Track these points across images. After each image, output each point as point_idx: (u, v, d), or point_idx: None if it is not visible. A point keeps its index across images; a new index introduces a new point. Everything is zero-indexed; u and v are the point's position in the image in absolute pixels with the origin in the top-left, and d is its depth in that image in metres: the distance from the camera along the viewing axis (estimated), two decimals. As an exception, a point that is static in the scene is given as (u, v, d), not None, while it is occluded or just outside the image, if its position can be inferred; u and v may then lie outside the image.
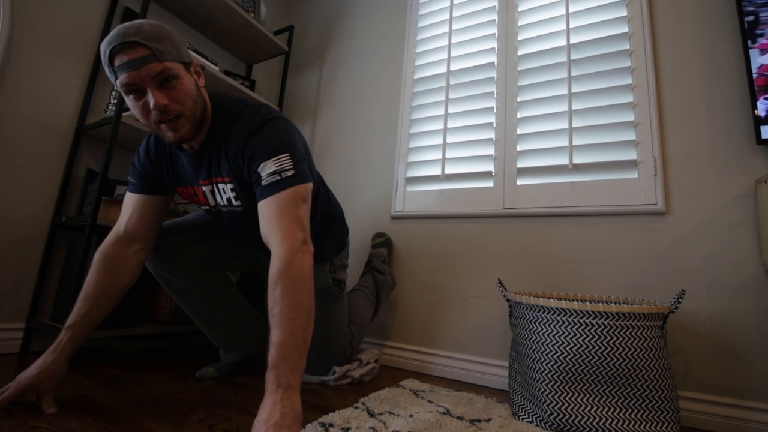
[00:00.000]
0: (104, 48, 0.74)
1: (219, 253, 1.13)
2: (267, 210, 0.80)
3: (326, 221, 1.11)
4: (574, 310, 0.87)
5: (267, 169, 0.81)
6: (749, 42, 1.06)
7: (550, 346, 0.89)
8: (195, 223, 1.11)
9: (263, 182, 0.81)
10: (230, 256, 1.15)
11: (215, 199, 0.94)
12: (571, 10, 1.41)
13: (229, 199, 0.92)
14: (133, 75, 0.73)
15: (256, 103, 0.91)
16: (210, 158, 0.88)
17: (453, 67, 1.62)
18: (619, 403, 0.84)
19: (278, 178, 0.80)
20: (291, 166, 0.82)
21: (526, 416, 0.90)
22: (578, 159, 1.29)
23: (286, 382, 0.66)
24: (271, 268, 0.75)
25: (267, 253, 0.81)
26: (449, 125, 1.56)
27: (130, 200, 0.95)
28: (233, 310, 1.16)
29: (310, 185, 0.86)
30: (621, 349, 0.83)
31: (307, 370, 1.17)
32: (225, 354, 1.19)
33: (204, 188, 0.93)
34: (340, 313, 1.18)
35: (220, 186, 0.91)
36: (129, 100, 0.78)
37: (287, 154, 0.82)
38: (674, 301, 0.89)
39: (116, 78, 0.75)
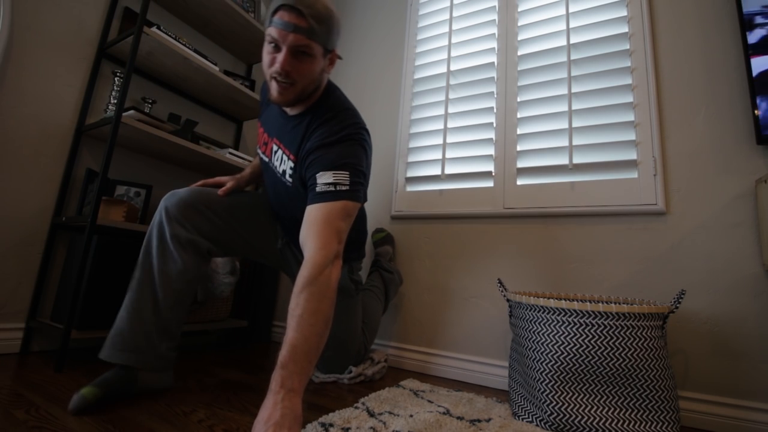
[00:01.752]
0: (276, 1, 0.84)
1: (240, 229, 1.09)
2: (313, 216, 0.85)
3: (356, 232, 1.14)
4: (574, 310, 0.87)
5: (324, 179, 0.86)
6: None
7: (550, 346, 0.89)
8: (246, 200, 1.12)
9: (317, 189, 0.86)
10: (249, 238, 1.12)
11: (275, 161, 1.03)
12: (571, 10, 1.41)
13: (284, 171, 1.00)
14: (282, 33, 0.83)
15: (352, 113, 0.98)
16: (294, 130, 0.98)
17: (453, 67, 1.62)
18: (619, 403, 0.84)
19: (332, 189, 0.86)
20: (348, 183, 0.87)
21: (526, 416, 0.90)
22: (578, 159, 1.29)
23: (290, 385, 0.67)
24: (302, 271, 0.79)
25: (288, 227, 0.96)
26: (449, 125, 1.56)
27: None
28: (173, 315, 0.97)
29: (358, 205, 0.91)
30: (621, 349, 0.83)
31: (323, 369, 1.18)
32: (116, 369, 0.90)
33: (273, 147, 1.03)
34: (356, 314, 1.19)
35: (285, 157, 0.99)
36: (265, 47, 0.88)
37: (348, 173, 0.88)
38: (674, 301, 0.89)
39: (269, 25, 0.85)
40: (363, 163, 0.93)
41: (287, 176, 0.99)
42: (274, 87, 0.89)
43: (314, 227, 0.83)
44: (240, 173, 1.20)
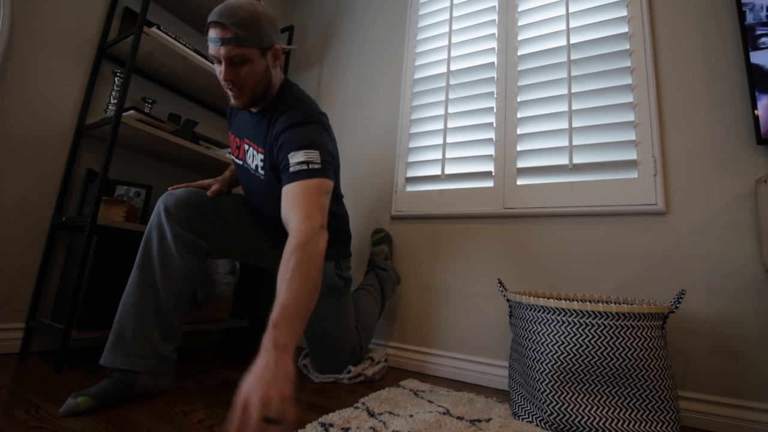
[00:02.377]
0: (209, 18, 0.91)
1: (235, 229, 1.11)
2: (291, 193, 0.88)
3: (336, 219, 1.16)
4: (574, 310, 0.87)
5: (296, 158, 0.91)
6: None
7: (550, 346, 0.89)
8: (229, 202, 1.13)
9: (291, 169, 0.90)
10: (243, 238, 1.13)
11: (248, 159, 1.07)
12: (571, 10, 1.41)
13: (257, 166, 1.04)
14: (215, 48, 0.91)
15: (309, 101, 1.04)
16: (258, 124, 1.03)
17: (453, 67, 1.62)
18: (619, 403, 0.84)
19: (306, 168, 0.90)
20: (319, 161, 0.92)
21: (526, 416, 0.90)
22: (578, 159, 1.29)
23: (283, 342, 0.68)
24: (290, 240, 0.81)
25: (267, 227, 1.00)
26: (449, 125, 1.56)
27: None
28: (175, 316, 0.97)
29: (332, 183, 0.96)
30: (621, 349, 0.83)
31: (320, 369, 1.18)
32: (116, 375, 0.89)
33: (245, 146, 1.08)
34: (347, 312, 1.19)
35: (255, 153, 1.04)
36: (215, 64, 0.96)
37: (317, 151, 0.93)
38: (674, 301, 0.89)
39: (208, 42, 0.93)
40: (328, 145, 0.98)
41: (260, 170, 1.03)
42: (230, 96, 0.98)
43: (295, 203, 0.87)
44: (221, 176, 1.20)
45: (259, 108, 1.04)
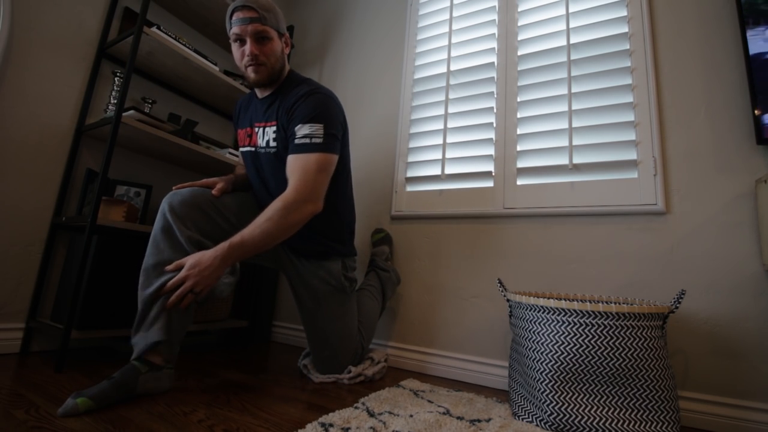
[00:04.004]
0: (230, 7, 1.04)
1: (240, 227, 1.09)
2: (291, 164, 1.01)
3: (342, 218, 1.22)
4: (574, 310, 0.87)
5: (302, 131, 1.01)
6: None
7: (549, 346, 0.89)
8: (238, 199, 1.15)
9: (296, 141, 1.02)
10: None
11: (260, 140, 1.14)
12: (571, 10, 1.41)
13: (268, 141, 1.11)
14: (242, 27, 1.02)
15: (315, 82, 1.15)
16: (271, 106, 1.12)
17: (453, 67, 1.62)
18: (619, 403, 0.84)
19: (308, 141, 1.00)
20: (321, 135, 1.01)
21: (526, 416, 0.90)
22: (578, 159, 1.29)
23: (230, 242, 0.93)
24: (279, 197, 0.97)
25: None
26: (449, 125, 1.56)
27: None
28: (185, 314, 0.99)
29: (334, 157, 1.06)
30: (621, 349, 0.83)
31: (321, 369, 1.19)
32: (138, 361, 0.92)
33: (257, 129, 1.15)
34: (351, 313, 1.20)
35: (267, 129, 1.12)
36: (234, 47, 1.08)
37: (322, 125, 1.02)
38: (674, 301, 0.89)
39: (230, 29, 1.05)
40: (336, 117, 1.08)
41: (271, 143, 1.10)
42: (250, 72, 1.07)
43: (292, 172, 1.00)
44: (226, 176, 1.21)
45: (270, 92, 1.14)
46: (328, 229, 1.17)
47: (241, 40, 1.05)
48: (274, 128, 1.09)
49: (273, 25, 1.06)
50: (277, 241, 0.97)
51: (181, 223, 0.97)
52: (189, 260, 0.92)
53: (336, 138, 1.06)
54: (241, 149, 1.22)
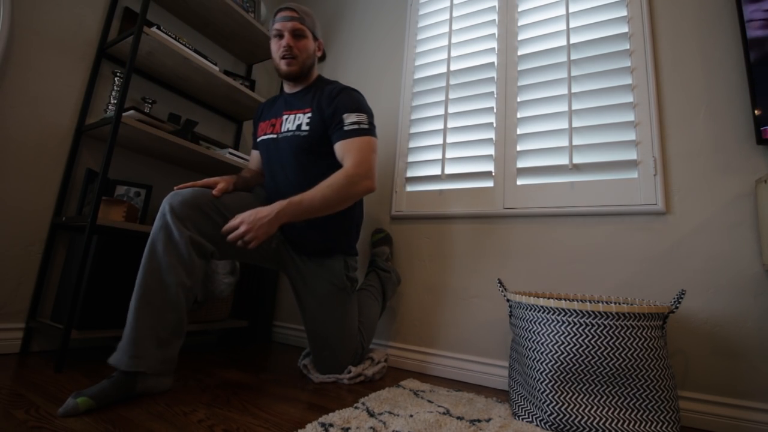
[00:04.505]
0: (279, 7, 1.22)
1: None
2: (347, 146, 1.10)
3: (351, 218, 1.25)
4: (574, 310, 0.87)
5: (350, 119, 1.11)
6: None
7: (549, 346, 0.89)
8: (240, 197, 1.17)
9: (345, 127, 1.11)
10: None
11: (287, 125, 1.21)
12: (571, 10, 1.41)
13: (299, 125, 1.17)
14: (284, 24, 1.17)
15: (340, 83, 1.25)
16: (305, 96, 1.22)
17: (453, 67, 1.62)
18: (619, 403, 0.84)
19: (357, 127, 1.11)
20: (367, 123, 1.13)
21: (526, 416, 0.90)
22: (578, 159, 1.29)
23: (286, 210, 1.01)
24: (340, 170, 1.06)
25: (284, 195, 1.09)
26: (449, 125, 1.56)
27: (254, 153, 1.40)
28: (177, 316, 0.97)
29: (377, 141, 1.16)
30: (621, 349, 0.83)
31: (321, 369, 1.18)
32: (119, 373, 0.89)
33: (284, 117, 1.23)
34: (352, 312, 1.20)
35: (299, 115, 1.19)
36: (273, 42, 1.21)
37: (365, 115, 1.15)
38: (674, 301, 0.89)
39: (273, 24, 1.19)
40: (370, 110, 1.19)
41: (303, 127, 1.17)
42: (283, 65, 1.18)
43: (348, 152, 1.09)
44: (230, 175, 1.21)
45: (300, 87, 1.25)
46: (339, 220, 1.18)
47: (280, 35, 1.18)
48: (309, 114, 1.17)
49: (309, 26, 1.20)
50: (330, 211, 1.05)
51: (181, 224, 0.97)
52: (247, 213, 1.00)
53: (375, 127, 1.18)
54: (260, 139, 1.28)
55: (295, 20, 1.17)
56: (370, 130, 1.13)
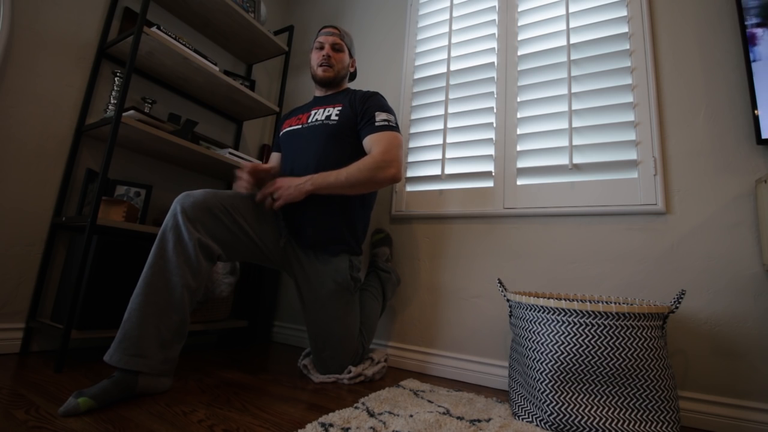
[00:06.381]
0: (323, 26, 1.42)
1: (250, 229, 1.13)
2: (376, 138, 1.20)
3: (362, 221, 1.31)
4: (574, 310, 0.87)
5: (380, 117, 1.24)
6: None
7: (549, 346, 0.89)
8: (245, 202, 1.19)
9: (376, 123, 1.22)
10: (259, 236, 1.16)
11: (316, 116, 1.31)
12: (571, 10, 1.41)
13: (329, 116, 1.28)
14: (326, 37, 1.36)
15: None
16: (337, 96, 1.36)
17: (453, 67, 1.62)
18: (619, 403, 0.84)
19: (387, 124, 1.23)
20: (394, 122, 1.26)
21: (526, 416, 0.90)
22: (578, 159, 1.29)
23: (314, 180, 1.13)
24: (368, 155, 1.16)
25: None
26: (449, 125, 1.56)
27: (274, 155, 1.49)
28: (180, 318, 0.96)
29: (402, 139, 1.27)
30: (621, 349, 0.83)
31: (322, 369, 1.19)
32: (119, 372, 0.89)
33: (313, 111, 1.34)
34: (353, 312, 1.21)
35: (329, 108, 1.31)
36: (314, 52, 1.38)
37: (393, 116, 1.28)
38: (674, 301, 0.89)
39: (315, 40, 1.38)
40: (396, 115, 1.35)
41: (333, 117, 1.27)
42: (320, 71, 1.34)
43: (378, 142, 1.18)
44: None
45: (332, 92, 1.39)
46: (350, 214, 1.23)
47: (321, 47, 1.35)
48: (340, 108, 1.29)
49: (347, 43, 1.39)
50: (355, 191, 1.15)
51: (191, 226, 0.97)
52: (283, 178, 1.15)
53: (399, 128, 1.28)
54: (284, 131, 1.37)
55: (336, 35, 1.36)
56: (396, 128, 1.25)
